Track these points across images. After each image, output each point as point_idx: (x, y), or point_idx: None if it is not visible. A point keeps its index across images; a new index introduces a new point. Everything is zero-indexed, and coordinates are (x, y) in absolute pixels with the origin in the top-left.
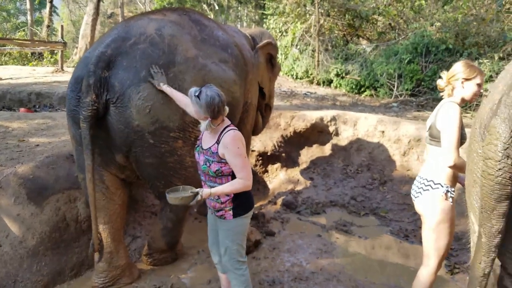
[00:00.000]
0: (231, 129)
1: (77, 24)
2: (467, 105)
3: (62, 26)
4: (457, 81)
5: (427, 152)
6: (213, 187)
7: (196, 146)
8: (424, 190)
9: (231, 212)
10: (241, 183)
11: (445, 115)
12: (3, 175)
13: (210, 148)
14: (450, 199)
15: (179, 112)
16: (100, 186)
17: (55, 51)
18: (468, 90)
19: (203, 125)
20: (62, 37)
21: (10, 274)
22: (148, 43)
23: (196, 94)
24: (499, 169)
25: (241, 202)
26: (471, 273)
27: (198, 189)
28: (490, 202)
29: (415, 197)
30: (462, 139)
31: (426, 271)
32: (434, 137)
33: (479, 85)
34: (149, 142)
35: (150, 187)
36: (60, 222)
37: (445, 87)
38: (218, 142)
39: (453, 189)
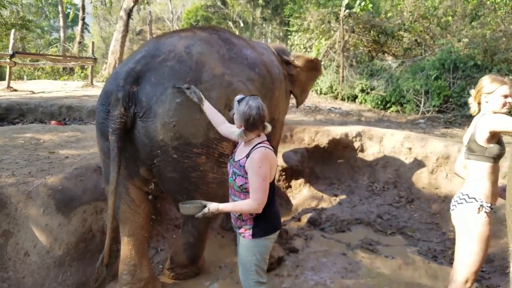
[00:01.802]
0: (262, 146)
1: (107, 41)
2: None
3: (93, 43)
4: (481, 96)
5: (467, 168)
6: (235, 201)
7: (230, 157)
8: (458, 203)
9: (250, 231)
10: (249, 205)
11: (488, 121)
12: (34, 186)
13: (239, 160)
14: (484, 214)
15: (204, 129)
16: (126, 199)
17: (86, 66)
18: (494, 103)
19: (236, 132)
20: (92, 53)
21: (37, 283)
22: (176, 60)
23: (238, 99)
24: None
25: (263, 223)
26: None
27: (207, 202)
28: None
29: (451, 210)
30: (502, 150)
31: (453, 287)
32: (473, 152)
33: (506, 96)
34: (172, 156)
35: (173, 201)
36: (86, 233)
37: (471, 104)
38: (247, 156)
39: (489, 205)
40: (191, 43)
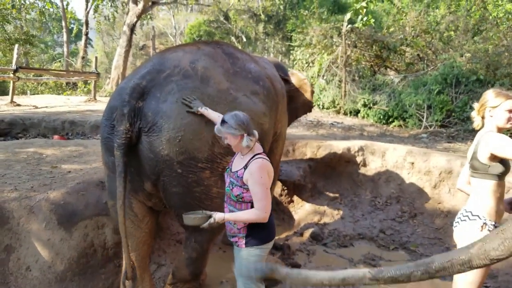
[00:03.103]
0: (260, 157)
1: (110, 56)
2: None
3: (96, 58)
4: (485, 110)
5: (471, 185)
6: (232, 211)
7: (227, 168)
8: (462, 220)
9: (243, 240)
10: (256, 214)
11: (491, 140)
12: (36, 201)
13: (237, 171)
14: (487, 232)
15: (208, 144)
16: (129, 214)
17: (89, 81)
18: (498, 118)
19: (245, 143)
20: (95, 68)
21: None
22: (182, 76)
23: (220, 123)
24: None
25: (256, 232)
26: None
27: (212, 212)
28: None
29: (454, 227)
30: (506, 167)
31: None
32: (476, 169)
33: (510, 111)
34: (177, 171)
35: (176, 216)
36: (88, 248)
37: (475, 118)
38: (245, 167)
39: (493, 223)
40: (196, 58)
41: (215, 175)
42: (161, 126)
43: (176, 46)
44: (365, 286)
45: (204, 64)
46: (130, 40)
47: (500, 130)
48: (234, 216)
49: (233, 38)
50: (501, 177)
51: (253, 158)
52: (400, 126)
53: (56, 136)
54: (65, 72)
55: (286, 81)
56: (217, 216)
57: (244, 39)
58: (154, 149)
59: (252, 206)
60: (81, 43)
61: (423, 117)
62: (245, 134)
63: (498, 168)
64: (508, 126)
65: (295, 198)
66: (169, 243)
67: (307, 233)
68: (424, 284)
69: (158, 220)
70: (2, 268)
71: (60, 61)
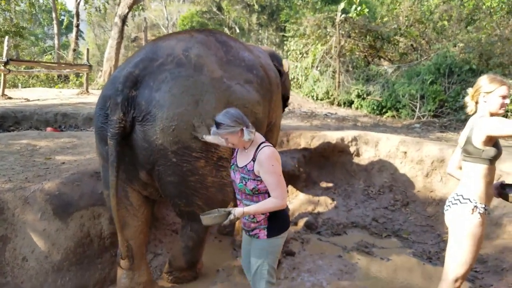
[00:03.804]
0: (265, 146)
1: (102, 48)
2: None
3: (87, 50)
4: (479, 95)
5: (463, 169)
6: (249, 205)
7: (231, 164)
8: (453, 204)
9: (265, 231)
10: (274, 202)
11: (486, 124)
12: (31, 191)
13: (246, 166)
14: (478, 215)
15: (203, 133)
16: (125, 203)
17: (81, 74)
18: (491, 103)
19: (246, 135)
20: (87, 60)
21: None
22: (175, 64)
23: (214, 128)
24: None
25: (276, 222)
26: None
27: (231, 209)
28: None
29: (445, 210)
30: (498, 152)
31: (443, 285)
32: (470, 154)
33: (504, 97)
34: (171, 160)
35: (172, 205)
36: (84, 238)
37: (468, 103)
38: (254, 159)
39: (483, 206)
40: (189, 46)
41: (210, 164)
42: (155, 115)
43: (169, 34)
44: None
45: (198, 52)
46: (121, 32)
47: (493, 115)
48: (253, 209)
49: (226, 29)
50: (492, 161)
51: (259, 149)
52: (393, 116)
53: (49, 128)
54: (56, 65)
55: (280, 71)
56: (236, 211)
57: (238, 30)
58: (148, 139)
59: (269, 196)
60: (72, 35)
61: (416, 107)
62: (244, 128)
63: (492, 152)
64: (501, 112)
65: (290, 188)
66: (165, 233)
67: (301, 222)
68: (417, 270)
69: (154, 210)
70: None
71: (51, 54)
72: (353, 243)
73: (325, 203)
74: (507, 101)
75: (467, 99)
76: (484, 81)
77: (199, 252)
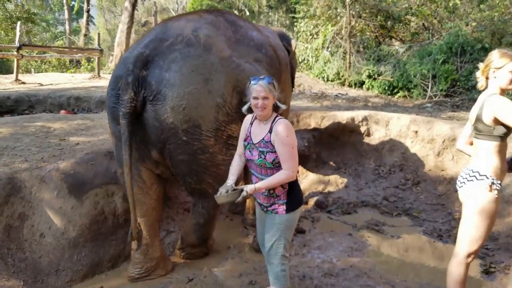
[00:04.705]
0: (281, 118)
1: (112, 33)
2: None
3: (98, 34)
4: (489, 70)
5: (474, 146)
6: None
7: (246, 144)
8: (468, 181)
9: (284, 206)
10: (285, 174)
11: (497, 105)
12: (47, 171)
13: (263, 138)
14: (495, 191)
15: (213, 111)
16: (137, 181)
17: (92, 59)
18: (501, 79)
19: (282, 106)
20: (98, 44)
21: (52, 263)
22: (185, 44)
23: (270, 81)
24: None
25: (294, 197)
26: None
27: (243, 186)
28: None
29: (459, 187)
30: (509, 130)
31: (455, 261)
32: (479, 131)
33: None
34: (182, 139)
35: (183, 184)
36: (99, 216)
37: (479, 78)
38: (270, 131)
39: (499, 182)
40: (198, 26)
41: (219, 142)
42: (165, 95)
43: (178, 15)
44: None
45: (207, 32)
46: (132, 17)
47: (503, 91)
48: (265, 184)
49: (236, 12)
50: (504, 138)
51: (275, 121)
52: (405, 96)
53: (63, 111)
54: (68, 49)
55: (289, 51)
56: (249, 188)
57: (247, 13)
58: (159, 118)
59: None
60: (83, 21)
61: (427, 87)
62: (277, 100)
63: (502, 129)
64: (511, 87)
65: (300, 168)
66: (177, 211)
67: (311, 201)
68: (427, 248)
69: (166, 189)
70: (17, 235)
71: (62, 39)
72: (363, 222)
73: (335, 183)
74: None
75: (478, 74)
76: (494, 56)
77: (210, 229)
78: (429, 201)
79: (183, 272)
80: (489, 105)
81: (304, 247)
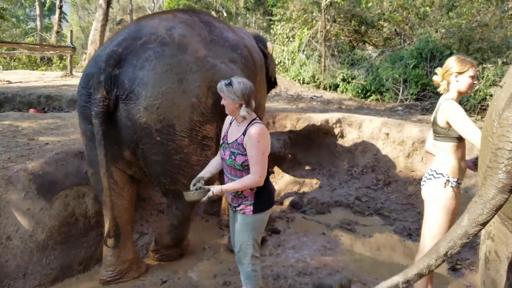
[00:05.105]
0: (257, 122)
1: (86, 31)
2: (471, 109)
3: (71, 31)
4: (451, 75)
5: (435, 147)
6: None
7: (222, 143)
8: (428, 179)
9: (251, 207)
10: (251, 178)
11: (448, 113)
12: (14, 171)
13: (236, 140)
14: (451, 188)
15: (187, 112)
16: (110, 182)
17: (64, 57)
18: (462, 83)
19: (243, 112)
20: (71, 42)
21: (20, 267)
22: (159, 43)
23: (227, 83)
24: (508, 158)
25: (262, 198)
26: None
27: (210, 186)
28: (491, 191)
29: (422, 186)
30: None
31: (420, 256)
32: (437, 133)
33: (472, 77)
34: (156, 139)
35: (157, 184)
36: (69, 217)
37: (441, 82)
38: (244, 133)
39: (455, 179)
40: (173, 25)
41: (194, 143)
42: (139, 94)
43: (152, 14)
44: None
45: (181, 32)
46: (106, 14)
47: (461, 94)
48: (231, 186)
49: (213, 13)
50: (460, 138)
51: (251, 124)
52: (377, 100)
53: (32, 110)
54: (39, 46)
55: (265, 53)
56: (215, 189)
57: (225, 14)
58: (132, 117)
59: None
60: (55, 17)
61: (399, 91)
62: (244, 104)
63: (457, 132)
64: (469, 91)
65: (276, 169)
66: (151, 212)
67: (287, 202)
68: (398, 246)
69: (140, 191)
70: None
71: (33, 36)
72: (336, 221)
73: (310, 183)
74: (476, 81)
75: (437, 79)
76: (455, 62)
77: (184, 230)
78: (399, 201)
79: (157, 274)
80: (442, 110)
81: (278, 247)
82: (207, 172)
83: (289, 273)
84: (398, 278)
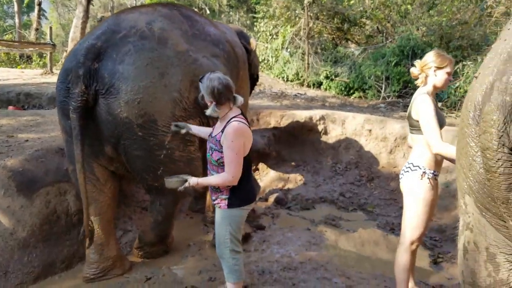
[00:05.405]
0: (236, 120)
1: (66, 28)
2: (451, 106)
3: (50, 28)
4: (429, 69)
5: (412, 139)
6: None
7: (209, 136)
8: (405, 172)
9: (226, 201)
10: (224, 177)
11: (419, 109)
12: None
13: (215, 136)
14: (427, 180)
15: (169, 106)
16: (91, 178)
17: (44, 54)
18: (439, 78)
19: (209, 110)
20: (51, 39)
21: (1, 265)
22: (138, 36)
23: (200, 78)
24: (498, 159)
25: (238, 194)
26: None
27: (188, 177)
28: (502, 193)
29: (400, 179)
30: (441, 124)
31: (401, 249)
32: (412, 126)
33: (449, 73)
34: (137, 134)
35: (139, 180)
36: (51, 215)
37: (419, 75)
38: (223, 130)
39: (432, 171)
40: (152, 19)
41: (177, 138)
42: (119, 88)
43: (132, 7)
44: None
45: (161, 26)
46: (87, 11)
47: (436, 89)
48: (205, 180)
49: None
50: None
51: (229, 122)
52: (360, 97)
53: (10, 107)
54: (18, 43)
55: (248, 49)
56: (192, 180)
57: (208, 12)
58: (112, 112)
59: None
60: (34, 14)
61: (381, 88)
62: (214, 103)
63: None
64: (444, 87)
65: (261, 166)
66: (134, 210)
67: (271, 198)
68: (381, 241)
69: (123, 188)
70: None
71: (12, 33)
72: (321, 217)
73: (294, 180)
74: (451, 78)
75: (415, 71)
76: (435, 57)
77: (168, 227)
78: (382, 196)
79: (141, 271)
80: (416, 104)
81: (264, 243)
82: (195, 128)
83: (274, 268)
84: None
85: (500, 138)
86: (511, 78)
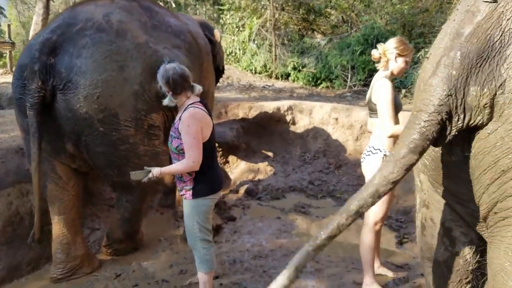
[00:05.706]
0: (191, 107)
1: (27, 26)
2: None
3: (9, 26)
4: (391, 54)
5: (371, 124)
6: None
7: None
8: (366, 155)
9: (190, 192)
10: (184, 163)
11: (378, 92)
12: None
13: (174, 124)
14: None
15: (131, 100)
16: (53, 176)
17: (4, 54)
18: (398, 65)
19: (166, 100)
20: (9, 37)
21: None
22: (95, 29)
23: (156, 69)
24: (426, 121)
25: (202, 183)
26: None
27: (151, 168)
28: (403, 150)
29: (361, 162)
30: (397, 108)
31: (365, 229)
32: (372, 111)
33: (407, 62)
34: (98, 130)
35: (104, 177)
36: (13, 216)
37: (380, 59)
38: (180, 118)
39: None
40: (110, 11)
41: (140, 132)
42: (77, 83)
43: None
44: None
45: (119, 18)
46: (47, 8)
47: (393, 75)
48: (168, 169)
49: (161, 4)
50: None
51: (186, 109)
52: (327, 87)
53: None
54: None
55: (212, 41)
56: (155, 170)
57: (173, 5)
58: (71, 108)
59: None
60: None
61: (347, 78)
62: (170, 93)
63: None
64: (400, 75)
65: (231, 158)
66: (102, 208)
67: (242, 190)
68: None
69: (89, 186)
70: None
71: None
72: (291, 205)
73: (264, 171)
74: (408, 67)
75: (376, 54)
76: (398, 43)
77: (136, 223)
78: (350, 183)
79: (110, 268)
80: (375, 89)
81: (235, 234)
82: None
83: (245, 257)
84: (307, 248)
85: (439, 106)
86: (458, 53)
